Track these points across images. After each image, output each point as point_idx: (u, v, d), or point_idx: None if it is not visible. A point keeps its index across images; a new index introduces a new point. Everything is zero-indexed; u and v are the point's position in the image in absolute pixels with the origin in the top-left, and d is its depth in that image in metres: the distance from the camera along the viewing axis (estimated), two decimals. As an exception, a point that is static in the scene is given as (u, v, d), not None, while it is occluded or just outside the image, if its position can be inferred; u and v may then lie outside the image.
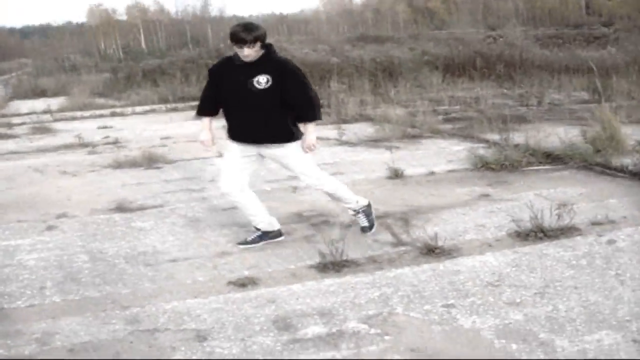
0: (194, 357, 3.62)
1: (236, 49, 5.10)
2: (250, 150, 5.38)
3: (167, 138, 11.88)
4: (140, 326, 4.05)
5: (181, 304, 4.36)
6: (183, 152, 10.25)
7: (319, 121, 5.38)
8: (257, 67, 5.12)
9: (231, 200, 5.64)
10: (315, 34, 53.05)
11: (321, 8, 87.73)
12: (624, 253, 4.91)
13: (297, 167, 5.46)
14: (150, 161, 9.35)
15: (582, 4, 66.82)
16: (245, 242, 5.55)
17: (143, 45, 42.41)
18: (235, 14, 58.16)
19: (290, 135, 5.30)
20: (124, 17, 59.21)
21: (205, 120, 5.56)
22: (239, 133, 5.33)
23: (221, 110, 5.43)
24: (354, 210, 5.71)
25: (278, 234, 5.63)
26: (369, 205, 5.73)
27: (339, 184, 5.71)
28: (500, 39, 25.73)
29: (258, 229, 5.58)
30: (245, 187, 5.52)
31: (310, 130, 5.32)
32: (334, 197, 5.73)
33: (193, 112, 16.10)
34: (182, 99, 18.04)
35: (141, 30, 46.48)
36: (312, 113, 5.28)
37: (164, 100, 18.05)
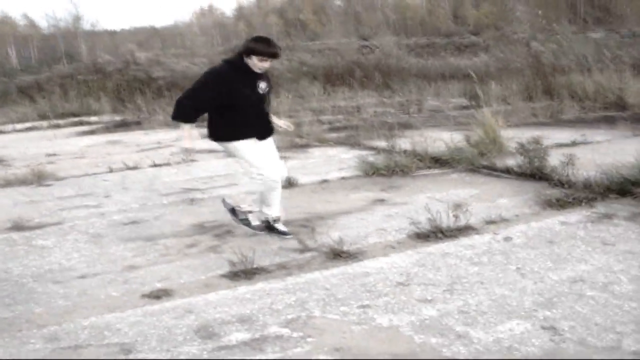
0: (120, 371, 3.62)
1: (257, 62, 5.54)
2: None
3: (53, 155, 11.62)
4: (61, 344, 3.99)
5: (99, 319, 4.32)
6: (72, 169, 10.06)
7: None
8: (258, 75, 5.66)
9: (276, 186, 5.86)
10: (190, 47, 52.67)
11: (194, 21, 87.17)
12: (520, 248, 5.20)
13: (273, 154, 5.94)
14: (40, 178, 9.13)
15: (449, 14, 69.11)
16: (250, 226, 6.02)
17: (14, 61, 40.90)
18: (107, 28, 56.99)
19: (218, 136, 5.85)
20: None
21: (187, 126, 5.74)
22: (251, 131, 5.77)
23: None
24: (263, 217, 6.01)
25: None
26: (276, 220, 6.01)
27: (250, 190, 5.97)
28: (377, 49, 26.34)
29: (264, 221, 6.01)
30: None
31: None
32: (263, 195, 5.91)
33: (76, 129, 15.82)
34: (63, 116, 17.64)
35: (13, 46, 44.86)
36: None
37: (44, 117, 17.59)
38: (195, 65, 22.98)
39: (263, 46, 5.52)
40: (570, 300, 4.15)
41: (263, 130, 5.84)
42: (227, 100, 5.55)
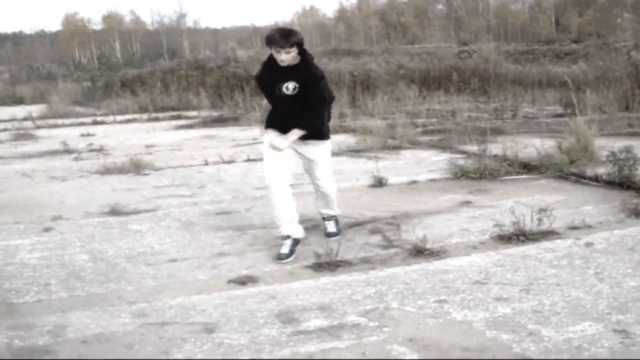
0: (204, 347, 3.84)
1: (274, 53, 5.29)
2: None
3: (151, 146, 12.09)
4: (148, 319, 4.26)
5: (186, 300, 4.58)
6: (169, 160, 10.47)
7: (304, 132, 5.48)
8: (291, 73, 5.34)
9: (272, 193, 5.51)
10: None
11: (295, 21, 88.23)
12: (601, 254, 5.21)
13: (320, 163, 5.73)
14: (138, 168, 9.55)
15: (552, 20, 67.90)
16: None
17: (119, 55, 42.40)
18: (208, 26, 58.48)
19: (320, 134, 5.62)
20: (100, 27, 59.44)
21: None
22: (278, 124, 5.55)
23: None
24: (332, 217, 6.05)
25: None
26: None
27: (336, 191, 6.01)
28: (475, 54, 26.22)
29: (287, 236, 5.54)
30: (287, 182, 5.50)
31: (291, 133, 5.44)
32: (326, 199, 5.97)
33: (174, 122, 16.35)
34: (162, 109, 18.26)
35: (117, 40, 46.53)
36: (305, 123, 5.44)
37: (144, 110, 18.25)
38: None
39: (271, 35, 5.25)
40: (646, 306, 4.17)
41: (289, 126, 5.45)
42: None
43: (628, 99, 15.33)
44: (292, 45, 5.21)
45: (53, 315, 4.39)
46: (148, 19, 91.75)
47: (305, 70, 5.37)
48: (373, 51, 42.12)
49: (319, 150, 5.70)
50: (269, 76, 5.47)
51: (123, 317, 4.31)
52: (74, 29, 62.49)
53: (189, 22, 56.89)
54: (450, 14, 79.08)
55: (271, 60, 5.42)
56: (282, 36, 5.20)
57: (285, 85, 5.34)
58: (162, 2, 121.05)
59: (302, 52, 5.36)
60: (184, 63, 23.92)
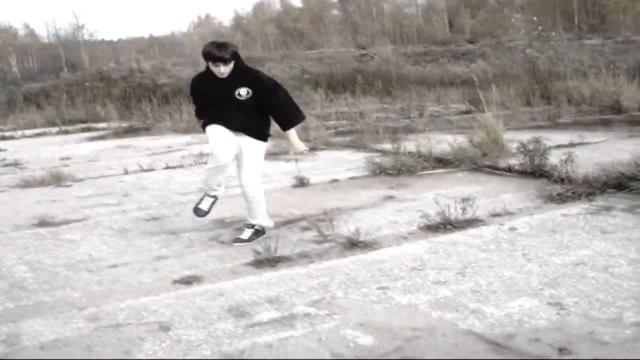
0: (163, 345, 3.93)
1: (212, 67, 5.58)
2: (231, 133, 5.74)
3: (67, 158, 11.94)
4: (102, 323, 4.31)
5: (135, 302, 4.64)
6: (88, 171, 10.39)
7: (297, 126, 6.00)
8: (235, 80, 5.63)
9: (221, 170, 5.83)
10: (188, 56, 53.09)
11: (192, 30, 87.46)
12: (525, 237, 5.56)
13: (249, 162, 5.85)
14: (59, 180, 9.46)
15: (445, 22, 69.66)
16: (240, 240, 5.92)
17: (15, 69, 41.28)
18: (104, 38, 57.49)
19: (262, 135, 5.87)
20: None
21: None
22: (225, 121, 5.71)
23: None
24: (251, 226, 6.04)
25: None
26: (263, 231, 6.05)
27: (263, 198, 6.07)
28: (376, 56, 26.74)
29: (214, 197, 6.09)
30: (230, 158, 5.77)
31: (293, 138, 6.00)
32: (249, 204, 6.02)
33: (85, 134, 16.11)
34: (70, 122, 18.00)
35: (12, 55, 45.27)
36: (292, 121, 5.91)
37: (52, 124, 17.94)
38: (199, 71, 23.31)
39: (209, 51, 5.53)
40: (573, 280, 4.49)
41: (235, 123, 5.71)
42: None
43: (528, 95, 16.02)
44: (231, 59, 5.54)
45: (4, 325, 4.37)
46: (43, 31, 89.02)
47: (249, 74, 5.73)
48: (273, 57, 42.34)
49: (252, 147, 5.83)
50: (215, 86, 5.68)
51: (76, 322, 4.35)
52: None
53: (86, 35, 55.89)
54: (346, 18, 79.97)
55: (208, 72, 5.69)
56: (221, 50, 5.50)
57: (237, 92, 5.63)
58: (56, 14, 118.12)
59: (237, 60, 5.64)
60: (87, 75, 23.59)
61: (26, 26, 64.55)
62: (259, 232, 6.00)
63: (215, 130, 5.71)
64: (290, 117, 5.91)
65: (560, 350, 3.50)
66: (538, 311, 4.02)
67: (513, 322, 3.89)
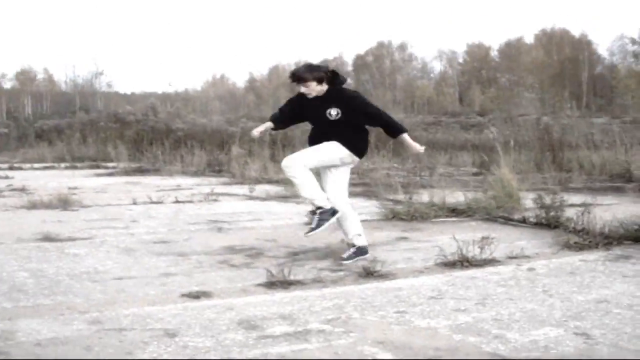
0: (169, 349, 3.73)
1: (299, 88, 5.99)
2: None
3: (74, 188, 11.80)
4: (104, 326, 4.11)
5: (140, 310, 4.45)
6: (96, 200, 10.26)
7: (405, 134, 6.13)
8: (327, 100, 5.94)
9: (290, 175, 5.92)
10: (198, 112, 53.28)
11: (206, 89, 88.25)
12: (545, 277, 5.38)
13: (338, 178, 6.09)
14: (66, 204, 9.32)
15: (456, 96, 70.33)
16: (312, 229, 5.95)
17: (28, 110, 41.52)
18: (118, 91, 58.08)
19: (353, 149, 6.02)
20: (11, 84, 58.21)
21: (268, 123, 6.32)
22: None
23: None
24: (352, 245, 6.16)
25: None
26: (366, 251, 6.15)
27: (352, 214, 6.19)
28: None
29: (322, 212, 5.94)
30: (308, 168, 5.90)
31: (407, 141, 6.12)
32: (341, 221, 6.12)
33: (93, 171, 16.05)
34: (80, 159, 17.93)
35: (29, 97, 45.65)
36: (396, 128, 6.10)
37: (61, 160, 17.88)
38: (212, 121, 23.38)
39: (294, 71, 6.03)
40: (598, 315, 4.30)
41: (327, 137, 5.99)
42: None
43: (540, 161, 15.93)
44: (310, 80, 5.89)
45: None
46: (62, 76, 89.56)
47: (342, 96, 5.99)
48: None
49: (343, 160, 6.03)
50: (310, 104, 6.02)
51: (76, 324, 4.15)
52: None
53: (103, 83, 56.37)
54: (357, 87, 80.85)
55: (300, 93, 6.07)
56: (304, 71, 5.93)
57: (328, 111, 5.91)
58: (76, 61, 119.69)
59: (334, 82, 5.99)
60: (103, 116, 23.60)
61: (45, 71, 65.12)
62: (359, 251, 6.07)
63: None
64: (394, 123, 6.12)
65: (593, 374, 3.30)
66: (564, 339, 3.82)
67: (539, 348, 3.69)
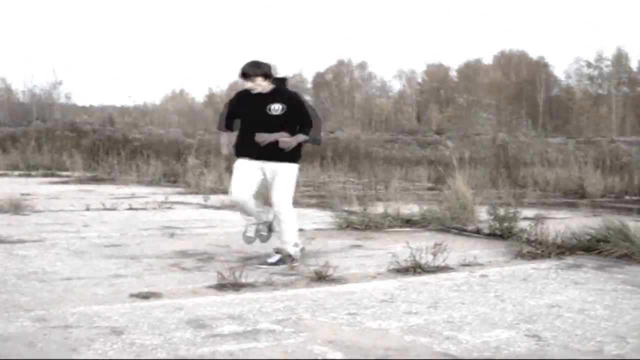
0: (114, 346, 3.66)
1: (245, 83, 6.03)
2: (255, 164, 6.03)
3: (27, 194, 11.56)
4: (49, 324, 4.02)
5: (87, 309, 4.36)
6: (48, 205, 10.08)
7: (307, 139, 6.08)
8: (271, 96, 5.99)
9: (241, 206, 6.11)
10: (157, 125, 52.89)
11: (164, 103, 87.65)
12: (497, 283, 5.41)
13: (281, 185, 6.01)
14: (18, 209, 9.14)
15: (414, 114, 70.88)
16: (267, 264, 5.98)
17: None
18: (76, 103, 57.17)
19: (292, 157, 6.04)
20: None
21: (225, 134, 6.42)
22: (249, 151, 6.03)
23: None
24: (279, 249, 6.07)
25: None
26: (292, 259, 6.05)
27: (294, 224, 6.15)
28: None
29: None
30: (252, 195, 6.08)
31: (295, 137, 5.99)
32: (280, 226, 6.12)
33: (47, 179, 15.80)
34: (34, 167, 17.65)
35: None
36: (309, 130, 6.05)
37: (15, 167, 17.56)
38: (170, 132, 23.23)
39: (242, 67, 6.01)
40: (549, 319, 4.33)
41: (262, 149, 5.97)
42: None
43: (495, 177, 16.08)
44: (256, 75, 5.93)
45: (-60, 320, 4.08)
46: (20, 86, 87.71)
47: (286, 94, 6.09)
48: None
49: (284, 170, 6.00)
50: (249, 102, 6.04)
51: (21, 322, 4.06)
52: None
53: (62, 95, 55.63)
54: (316, 104, 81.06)
55: (245, 90, 6.11)
56: (249, 67, 5.96)
57: (269, 107, 5.94)
58: (35, 70, 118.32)
59: (278, 81, 6.12)
60: (59, 125, 23.25)
61: (3, 80, 64.12)
62: (286, 259, 5.99)
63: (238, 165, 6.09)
64: (318, 132, 6.13)
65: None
66: (516, 341, 3.84)
67: (490, 349, 3.70)
